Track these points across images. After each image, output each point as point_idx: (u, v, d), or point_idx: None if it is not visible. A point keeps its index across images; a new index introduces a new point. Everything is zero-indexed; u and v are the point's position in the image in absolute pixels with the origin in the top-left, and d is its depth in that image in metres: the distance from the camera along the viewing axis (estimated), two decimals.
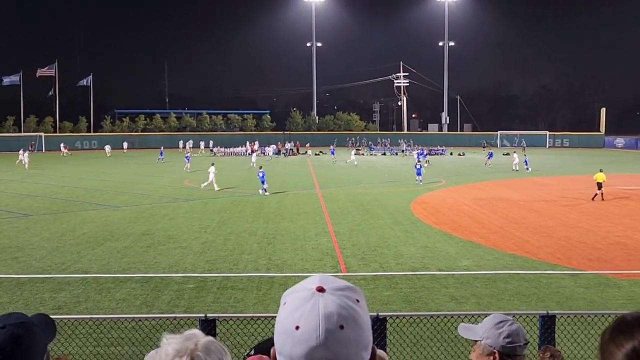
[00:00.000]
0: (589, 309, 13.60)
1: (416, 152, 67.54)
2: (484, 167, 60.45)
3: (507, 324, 3.27)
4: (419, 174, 42.60)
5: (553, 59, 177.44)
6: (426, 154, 68.61)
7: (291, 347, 1.54)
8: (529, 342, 3.34)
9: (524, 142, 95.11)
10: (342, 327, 1.53)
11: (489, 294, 15.82)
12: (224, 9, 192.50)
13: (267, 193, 35.90)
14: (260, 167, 38.12)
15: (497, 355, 3.22)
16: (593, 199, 34.22)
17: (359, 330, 1.56)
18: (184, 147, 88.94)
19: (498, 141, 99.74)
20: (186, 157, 58.79)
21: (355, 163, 61.77)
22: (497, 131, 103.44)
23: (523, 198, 35.40)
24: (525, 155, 61.85)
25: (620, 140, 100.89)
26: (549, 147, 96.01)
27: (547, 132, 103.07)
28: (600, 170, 35.32)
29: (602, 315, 9.54)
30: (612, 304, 14.80)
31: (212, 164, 40.60)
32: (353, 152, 70.91)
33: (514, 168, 55.66)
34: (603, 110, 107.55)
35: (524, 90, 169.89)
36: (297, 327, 1.54)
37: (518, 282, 16.94)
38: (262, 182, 36.46)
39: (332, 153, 73.03)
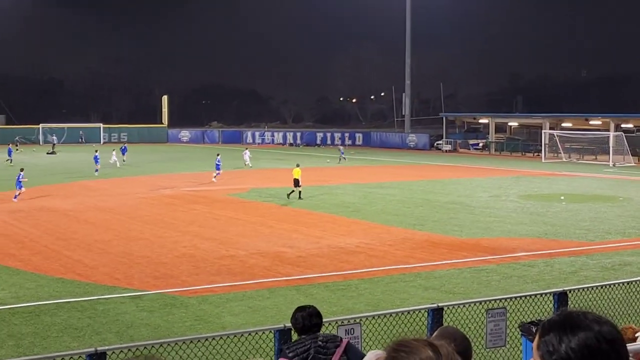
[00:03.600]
0: (152, 338, 14.03)
1: None
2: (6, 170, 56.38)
3: None
4: None
5: (101, 42, 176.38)
6: None
7: None
8: None
9: (55, 138, 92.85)
10: None
11: (32, 332, 15.52)
12: None
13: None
14: (22, 170, 40.14)
15: None
16: (288, 196, 37.62)
17: None
18: None
19: (41, 136, 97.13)
20: None
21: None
22: (38, 124, 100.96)
23: (72, 207, 35.43)
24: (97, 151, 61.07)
25: (185, 134, 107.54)
26: (104, 142, 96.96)
27: (102, 125, 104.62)
28: (297, 166, 38.03)
29: (163, 345, 9.87)
30: (179, 327, 15.56)
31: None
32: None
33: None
34: (165, 98, 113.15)
35: (68, 75, 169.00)
36: None
37: (68, 313, 16.92)
38: (19, 187, 38.48)
39: None
